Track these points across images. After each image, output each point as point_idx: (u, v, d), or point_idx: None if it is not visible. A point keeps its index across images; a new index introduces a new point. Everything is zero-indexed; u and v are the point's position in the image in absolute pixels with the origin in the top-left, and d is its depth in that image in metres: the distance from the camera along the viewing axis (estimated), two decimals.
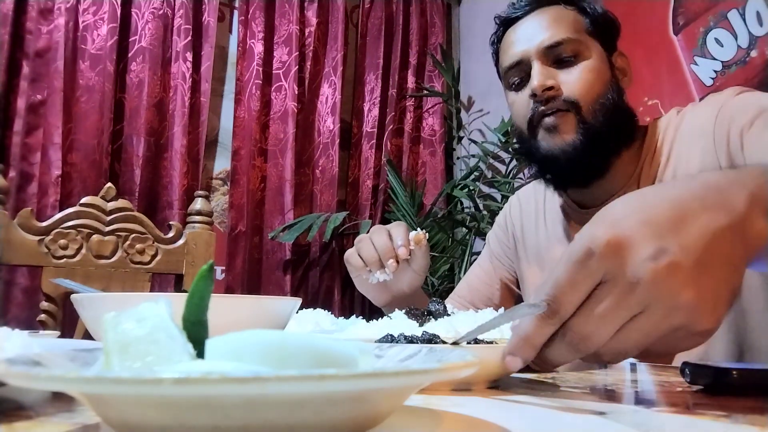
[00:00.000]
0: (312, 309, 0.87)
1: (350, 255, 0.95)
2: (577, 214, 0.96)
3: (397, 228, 0.92)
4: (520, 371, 0.56)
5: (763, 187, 0.45)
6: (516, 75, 0.92)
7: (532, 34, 0.90)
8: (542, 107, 0.87)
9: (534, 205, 1.07)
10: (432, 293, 2.33)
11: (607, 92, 0.88)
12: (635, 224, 0.41)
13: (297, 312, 0.77)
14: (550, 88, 0.86)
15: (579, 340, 0.42)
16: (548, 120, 0.87)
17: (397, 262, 0.90)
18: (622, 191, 0.89)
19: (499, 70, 0.98)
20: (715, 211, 0.42)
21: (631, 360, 0.87)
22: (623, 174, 0.90)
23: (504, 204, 1.19)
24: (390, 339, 0.49)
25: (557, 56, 0.88)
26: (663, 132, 0.90)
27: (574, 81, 0.87)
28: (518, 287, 1.10)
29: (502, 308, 0.70)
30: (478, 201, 2.49)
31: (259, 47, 2.51)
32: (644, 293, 0.39)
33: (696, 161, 0.83)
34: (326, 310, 0.87)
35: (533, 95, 0.87)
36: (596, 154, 0.87)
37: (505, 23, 0.95)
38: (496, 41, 0.98)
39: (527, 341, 0.43)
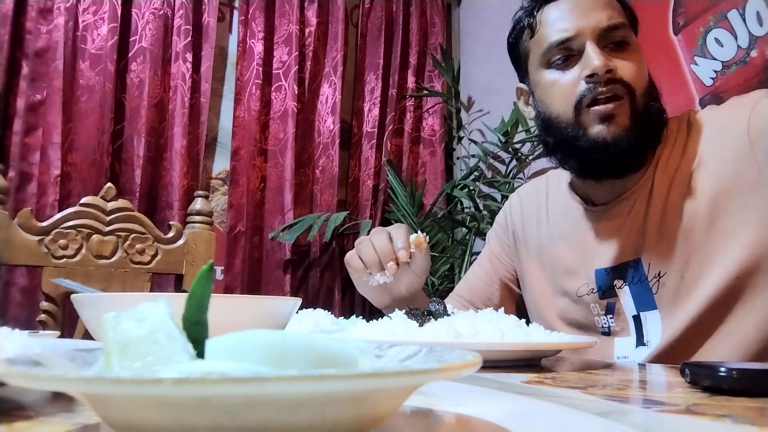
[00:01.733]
0: (312, 309, 0.87)
1: (350, 257, 0.94)
2: (587, 211, 0.95)
3: (398, 230, 0.92)
4: (520, 371, 0.56)
5: None
6: (560, 53, 0.86)
7: (586, 12, 0.85)
8: (601, 89, 0.83)
9: (536, 202, 1.07)
10: (432, 293, 2.33)
11: (651, 84, 0.87)
12: None
13: (297, 312, 0.77)
14: (610, 70, 0.83)
15: None
16: (604, 108, 0.83)
17: (398, 264, 0.90)
18: (636, 188, 0.89)
19: (523, 47, 0.93)
20: None
21: (636, 360, 0.87)
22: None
23: (504, 204, 1.19)
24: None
25: (611, 40, 0.85)
26: (675, 131, 0.89)
27: (629, 67, 0.84)
28: (518, 287, 1.10)
29: (502, 308, 0.70)
30: (478, 201, 2.49)
31: (259, 47, 2.50)
32: None
33: (729, 162, 0.82)
34: (326, 310, 0.87)
35: (590, 76, 0.83)
36: (643, 145, 0.85)
37: None
38: (534, 13, 0.90)
39: None
